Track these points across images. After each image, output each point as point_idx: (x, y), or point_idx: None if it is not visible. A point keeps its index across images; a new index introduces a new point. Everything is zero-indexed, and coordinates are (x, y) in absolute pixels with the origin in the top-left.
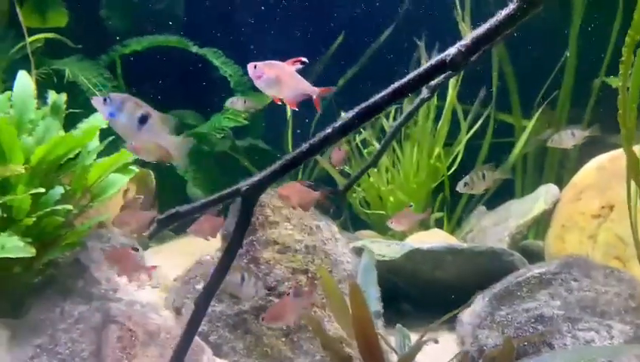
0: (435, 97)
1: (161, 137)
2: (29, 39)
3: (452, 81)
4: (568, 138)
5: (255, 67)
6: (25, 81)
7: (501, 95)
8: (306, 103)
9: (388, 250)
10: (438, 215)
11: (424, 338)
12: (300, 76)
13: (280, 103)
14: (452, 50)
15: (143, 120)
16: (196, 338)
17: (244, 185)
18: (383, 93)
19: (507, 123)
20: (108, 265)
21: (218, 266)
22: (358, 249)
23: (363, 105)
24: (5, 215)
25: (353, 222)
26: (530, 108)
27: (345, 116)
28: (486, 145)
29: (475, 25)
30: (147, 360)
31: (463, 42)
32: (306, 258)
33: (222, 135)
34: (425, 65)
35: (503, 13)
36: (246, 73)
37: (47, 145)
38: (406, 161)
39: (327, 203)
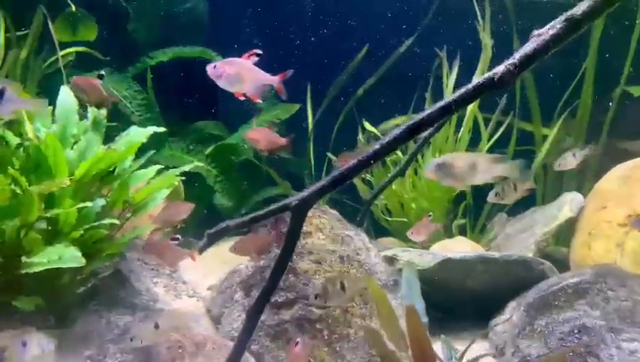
0: None
1: (22, 104)
2: (60, 53)
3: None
4: (571, 159)
5: (215, 67)
6: (67, 96)
7: (521, 103)
8: (327, 113)
9: (420, 259)
10: (460, 222)
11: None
12: (257, 68)
13: (243, 98)
14: (500, 69)
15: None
16: None
17: (293, 199)
18: (430, 110)
19: (527, 131)
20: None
21: (270, 278)
22: (389, 258)
23: (410, 122)
24: (50, 228)
25: (374, 229)
26: (550, 117)
27: (392, 134)
28: (510, 152)
29: (495, 34)
30: None
31: (511, 60)
32: (342, 268)
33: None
34: (473, 82)
35: (550, 33)
36: None
37: (91, 160)
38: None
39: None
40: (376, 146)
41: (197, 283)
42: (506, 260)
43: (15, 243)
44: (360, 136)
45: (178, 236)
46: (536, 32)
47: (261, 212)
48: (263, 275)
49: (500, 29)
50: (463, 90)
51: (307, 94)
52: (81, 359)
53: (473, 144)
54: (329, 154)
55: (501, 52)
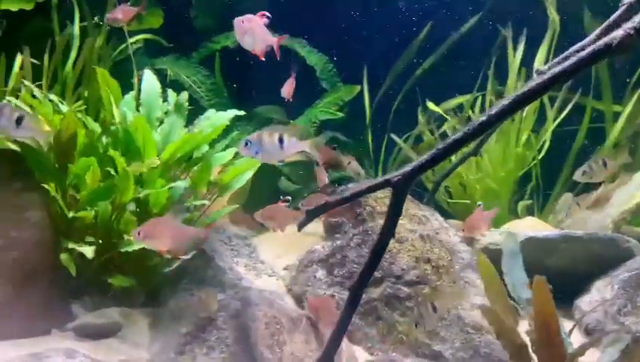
0: (522, 84)
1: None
2: (129, 40)
3: (537, 66)
4: (600, 171)
5: (242, 22)
6: (152, 81)
7: (591, 80)
8: (387, 94)
9: (500, 238)
10: (526, 203)
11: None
12: (266, 29)
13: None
14: (619, 33)
15: (19, 121)
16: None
17: (394, 175)
18: (537, 80)
19: (596, 109)
20: (264, 223)
21: (371, 255)
22: (469, 238)
23: (518, 93)
24: (139, 209)
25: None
26: (621, 95)
27: (497, 105)
28: (583, 131)
29: (562, 10)
30: (295, 347)
31: (630, 24)
32: (424, 247)
33: (314, 128)
34: (588, 50)
35: None
36: (330, 62)
37: (178, 142)
38: (493, 149)
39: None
40: (483, 118)
41: (271, 264)
42: (590, 238)
43: (108, 224)
44: (420, 117)
45: (288, 198)
46: None
47: (361, 188)
48: (343, 254)
49: (568, 5)
50: (576, 58)
51: (364, 76)
52: (178, 335)
53: (539, 123)
54: (394, 136)
55: (569, 28)
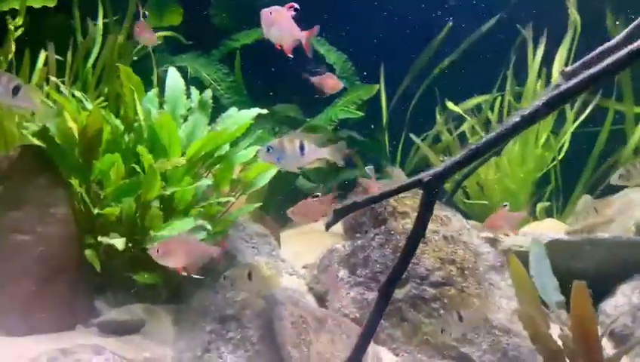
0: (541, 84)
1: (30, 103)
2: None
3: (557, 67)
4: (638, 174)
5: (270, 13)
6: (176, 78)
7: (612, 82)
8: (402, 98)
9: (524, 240)
10: (545, 204)
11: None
12: (293, 22)
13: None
14: None
15: (16, 90)
16: (355, 325)
17: (425, 175)
18: (574, 81)
19: (618, 110)
20: (296, 219)
21: (401, 255)
22: (491, 239)
23: (552, 93)
24: (163, 206)
25: None
26: None
27: (532, 107)
28: (605, 133)
29: (583, 12)
30: (321, 346)
31: None
32: (448, 248)
33: (332, 127)
34: (628, 48)
35: None
36: (349, 60)
37: (203, 140)
38: (512, 150)
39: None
40: (516, 119)
41: (291, 263)
42: (615, 241)
43: (133, 220)
44: (438, 117)
45: (318, 193)
46: None
47: (392, 188)
48: (365, 254)
49: (589, 6)
50: (614, 57)
51: (381, 75)
52: (203, 333)
53: (558, 125)
54: (413, 136)
55: (590, 29)
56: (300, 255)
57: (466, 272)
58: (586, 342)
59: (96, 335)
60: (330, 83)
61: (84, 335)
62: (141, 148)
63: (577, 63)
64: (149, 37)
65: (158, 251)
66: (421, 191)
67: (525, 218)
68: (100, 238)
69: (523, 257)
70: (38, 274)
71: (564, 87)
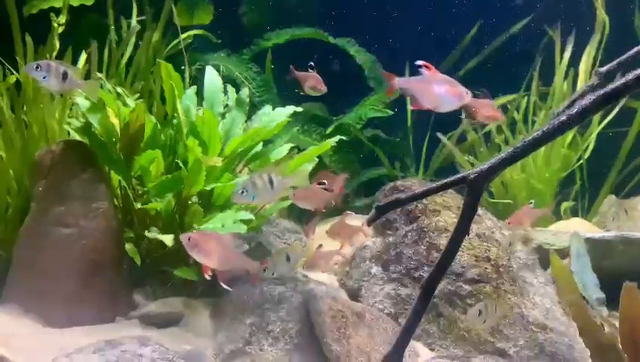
0: (568, 85)
1: (79, 85)
2: (182, 36)
3: (584, 67)
4: None
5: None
6: (214, 77)
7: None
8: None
9: (555, 238)
10: (569, 204)
11: None
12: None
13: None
14: None
15: (65, 75)
16: (391, 320)
17: (471, 172)
18: (628, 77)
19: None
20: (298, 203)
21: (445, 252)
22: (523, 238)
23: (607, 90)
24: (201, 201)
25: None
26: None
27: (578, 105)
28: (632, 134)
29: (611, 12)
30: (360, 340)
31: None
32: (481, 245)
33: (360, 125)
34: None
35: None
36: (377, 61)
37: (242, 136)
38: (537, 150)
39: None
40: (563, 118)
41: None
42: None
43: (172, 215)
44: (463, 116)
45: (324, 181)
46: None
47: (435, 185)
48: (397, 251)
49: (618, 6)
50: None
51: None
52: (244, 326)
53: (584, 125)
54: (439, 134)
55: (618, 29)
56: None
57: (500, 269)
58: (634, 342)
59: (138, 327)
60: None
61: (125, 327)
62: (191, 141)
63: (613, 63)
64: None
65: (189, 239)
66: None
67: (548, 215)
68: (147, 233)
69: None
70: (81, 267)
71: (619, 82)
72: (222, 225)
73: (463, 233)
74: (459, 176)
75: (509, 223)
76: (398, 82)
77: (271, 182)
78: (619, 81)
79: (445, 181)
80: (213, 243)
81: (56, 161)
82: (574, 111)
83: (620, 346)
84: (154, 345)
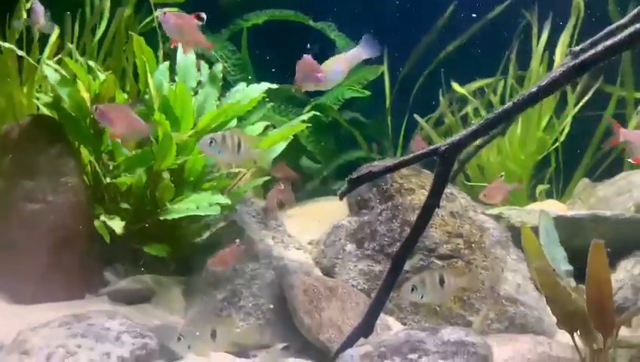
0: (544, 69)
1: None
2: (155, 13)
3: (560, 51)
4: None
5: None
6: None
7: (611, 66)
8: (406, 81)
9: (528, 217)
10: (544, 187)
11: None
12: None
13: None
14: None
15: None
16: (364, 295)
17: (442, 144)
18: (596, 50)
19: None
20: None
21: (416, 223)
22: (495, 216)
23: (577, 61)
24: (173, 178)
25: None
26: None
27: (553, 73)
28: (606, 117)
29: None
30: (332, 313)
31: None
32: (455, 223)
33: (338, 106)
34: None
35: None
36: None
37: (215, 112)
38: (513, 132)
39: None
40: (532, 89)
41: (297, 238)
42: (618, 219)
43: (143, 191)
44: (441, 99)
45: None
46: None
47: (406, 157)
48: (372, 229)
49: None
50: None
51: (385, 58)
52: (215, 301)
53: (559, 109)
54: (417, 117)
55: (592, 14)
56: (304, 231)
57: (472, 246)
58: (600, 302)
59: (107, 304)
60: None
61: (95, 303)
62: (158, 115)
63: (586, 43)
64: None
65: (97, 109)
66: (426, 169)
67: (520, 190)
68: (102, 218)
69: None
70: (49, 243)
71: (583, 57)
72: (196, 207)
73: (433, 205)
74: (430, 147)
75: (483, 196)
76: (624, 133)
77: (239, 145)
78: (587, 54)
79: (417, 153)
80: (117, 112)
81: (23, 135)
82: (544, 82)
83: (587, 312)
84: (122, 318)
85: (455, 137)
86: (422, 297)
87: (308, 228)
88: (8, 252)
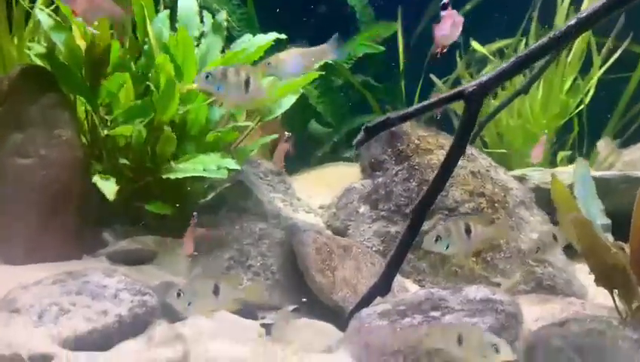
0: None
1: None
2: None
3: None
4: None
5: None
6: (189, 0)
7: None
8: (420, 41)
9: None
10: (565, 153)
11: None
12: None
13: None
14: None
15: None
16: (378, 256)
17: (469, 85)
18: None
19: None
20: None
21: (438, 172)
22: (518, 178)
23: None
24: (175, 132)
25: None
26: None
27: (593, 6)
28: (635, 80)
29: None
30: (346, 273)
31: None
32: (476, 181)
33: (350, 65)
34: None
35: None
36: (368, 4)
37: (219, 60)
38: (534, 95)
39: None
40: (571, 22)
41: (307, 202)
42: None
43: (143, 146)
44: (458, 61)
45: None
46: None
47: (430, 101)
48: (387, 190)
49: None
50: None
51: (398, 18)
52: (221, 260)
53: (585, 70)
54: (433, 77)
55: None
56: (314, 196)
57: (496, 205)
58: None
59: (105, 264)
60: None
61: (92, 264)
62: (162, 58)
63: None
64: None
65: None
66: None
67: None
68: (93, 179)
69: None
70: (42, 200)
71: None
72: (203, 169)
73: (458, 151)
74: (455, 90)
75: (534, 159)
76: None
77: (247, 83)
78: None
79: (441, 96)
80: None
81: (13, 86)
82: (583, 14)
83: (629, 266)
84: (120, 276)
85: (483, 77)
86: (447, 248)
87: (317, 193)
88: None
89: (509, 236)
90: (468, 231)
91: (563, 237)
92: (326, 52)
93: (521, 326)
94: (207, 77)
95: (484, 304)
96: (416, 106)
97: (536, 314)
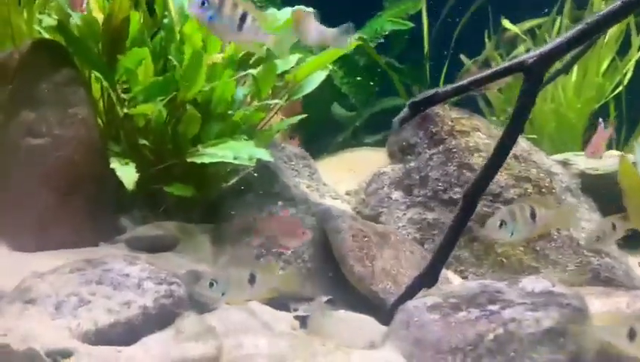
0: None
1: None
2: None
3: None
4: None
5: None
6: None
7: None
8: (446, 23)
9: (598, 163)
10: None
11: None
12: None
13: None
14: None
15: (243, 19)
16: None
17: (529, 56)
18: None
19: None
20: None
21: (494, 152)
22: (561, 163)
23: None
24: (200, 111)
25: None
26: None
27: None
28: None
29: None
30: (385, 263)
31: None
32: (520, 166)
33: (376, 43)
34: None
35: None
36: None
37: None
38: (568, 78)
39: None
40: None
41: (332, 187)
42: None
43: (164, 127)
44: (487, 42)
45: None
46: None
47: (484, 73)
48: (422, 175)
49: None
50: None
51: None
52: (250, 248)
53: (622, 51)
54: (463, 57)
55: None
56: (339, 182)
57: (543, 190)
58: None
59: (125, 252)
60: None
61: (110, 251)
62: (189, 27)
63: None
64: None
65: None
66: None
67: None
68: (112, 165)
69: (599, 180)
70: (55, 183)
71: None
72: (234, 158)
73: (517, 127)
74: (515, 61)
75: (590, 153)
76: None
77: (243, 18)
78: None
79: (498, 68)
80: None
81: (23, 62)
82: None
83: None
84: (144, 263)
85: (545, 47)
86: (512, 234)
87: (341, 179)
88: (10, 193)
89: (575, 221)
90: (533, 215)
91: (622, 226)
92: (334, 38)
93: (589, 323)
94: (202, 3)
95: (546, 297)
96: (469, 79)
97: (598, 308)
